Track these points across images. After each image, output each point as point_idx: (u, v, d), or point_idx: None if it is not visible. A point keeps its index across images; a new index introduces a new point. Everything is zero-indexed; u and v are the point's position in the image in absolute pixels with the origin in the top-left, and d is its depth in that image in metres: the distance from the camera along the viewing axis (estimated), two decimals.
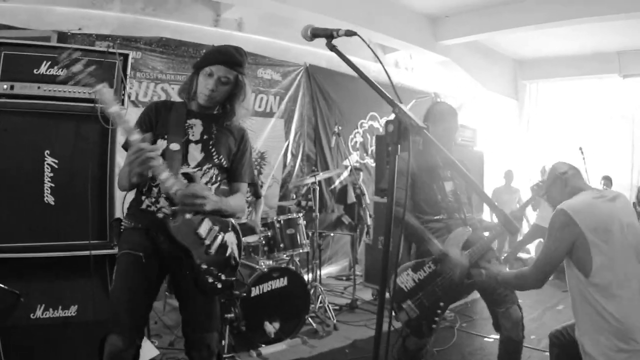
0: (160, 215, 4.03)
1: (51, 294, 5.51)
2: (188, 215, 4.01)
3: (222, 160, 4.35)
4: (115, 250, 4.53)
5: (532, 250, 15.88)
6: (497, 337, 5.20)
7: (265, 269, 7.33)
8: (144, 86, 9.82)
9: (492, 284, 4.95)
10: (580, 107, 18.20)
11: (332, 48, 2.89)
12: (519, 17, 12.98)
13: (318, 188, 9.41)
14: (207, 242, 4.12)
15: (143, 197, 4.14)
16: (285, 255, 8.46)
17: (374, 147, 13.77)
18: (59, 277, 5.51)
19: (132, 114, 4.78)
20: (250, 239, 8.42)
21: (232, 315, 6.91)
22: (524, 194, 14.89)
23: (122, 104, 5.86)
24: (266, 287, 7.34)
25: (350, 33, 2.86)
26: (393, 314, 5.07)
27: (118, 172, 4.17)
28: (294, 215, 8.56)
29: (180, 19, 10.59)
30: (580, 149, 11.68)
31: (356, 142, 14.34)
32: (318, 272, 9.64)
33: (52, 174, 5.54)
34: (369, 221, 11.21)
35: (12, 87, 5.44)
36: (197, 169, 4.14)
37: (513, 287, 4.94)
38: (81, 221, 5.47)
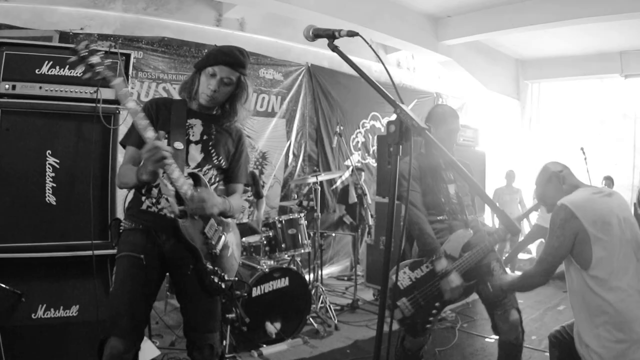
0: (170, 215, 3.96)
1: (52, 294, 5.50)
2: (196, 216, 4.02)
3: (222, 161, 4.34)
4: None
5: (533, 251, 15.88)
6: (498, 337, 5.21)
7: (267, 269, 7.32)
8: (145, 86, 9.83)
9: (500, 294, 4.97)
10: (582, 107, 18.19)
11: (334, 49, 2.89)
12: (520, 17, 12.98)
13: (319, 188, 9.40)
14: (213, 242, 4.13)
15: (143, 198, 4.12)
16: (286, 256, 8.45)
17: (375, 147, 13.78)
18: (60, 277, 5.50)
19: None
20: (252, 239, 8.43)
21: (234, 315, 6.92)
22: (525, 194, 14.89)
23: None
24: (267, 287, 7.34)
25: (352, 33, 2.86)
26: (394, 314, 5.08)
27: (119, 172, 4.08)
28: (296, 215, 8.55)
29: (182, 19, 10.60)
30: (582, 149, 11.69)
31: (358, 142, 14.35)
32: (319, 272, 9.64)
33: (53, 174, 5.53)
34: (371, 221, 11.21)
35: (13, 87, 5.44)
36: (197, 169, 4.12)
37: (520, 290, 4.94)
38: (83, 221, 5.47)
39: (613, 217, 4.37)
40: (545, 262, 4.56)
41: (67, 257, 5.42)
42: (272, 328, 7.24)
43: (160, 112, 4.13)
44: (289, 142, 12.58)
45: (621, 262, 4.25)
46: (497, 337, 5.22)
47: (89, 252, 5.37)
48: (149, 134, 3.62)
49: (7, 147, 5.38)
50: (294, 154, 12.69)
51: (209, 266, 4.06)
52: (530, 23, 13.00)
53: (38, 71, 5.55)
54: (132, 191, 4.26)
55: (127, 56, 6.13)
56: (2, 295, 5.23)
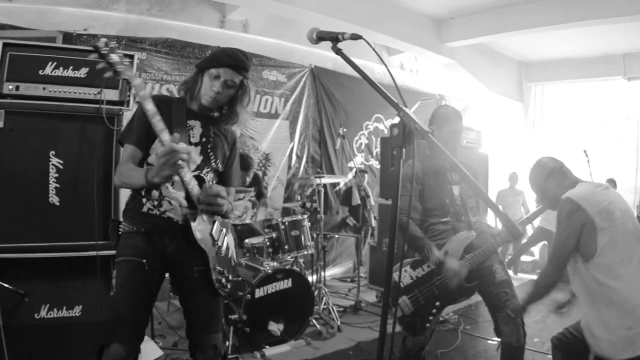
0: (178, 219, 4.02)
1: (56, 294, 5.50)
2: (205, 218, 4.03)
3: (219, 164, 4.33)
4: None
5: (536, 253, 15.87)
6: (500, 340, 5.21)
7: (270, 271, 7.34)
8: (149, 87, 9.80)
9: (523, 313, 4.98)
10: (585, 110, 18.18)
11: (338, 51, 2.90)
12: (524, 19, 12.98)
13: (323, 190, 9.40)
14: (219, 243, 4.16)
15: (144, 200, 4.08)
16: (289, 257, 8.42)
17: (378, 149, 13.80)
18: (63, 277, 5.50)
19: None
20: (255, 240, 8.43)
21: (237, 316, 6.92)
22: (528, 196, 14.88)
23: (128, 105, 5.87)
24: (270, 288, 7.34)
25: (355, 37, 2.86)
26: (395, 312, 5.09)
27: (120, 170, 3.99)
28: (299, 216, 8.53)
29: (186, 20, 10.61)
30: (585, 151, 11.68)
31: (361, 143, 14.35)
32: (322, 274, 9.62)
33: (57, 175, 5.55)
34: (374, 223, 11.24)
35: (17, 88, 5.46)
36: (196, 172, 4.07)
37: (539, 295, 4.91)
38: (86, 222, 5.48)
39: (615, 208, 4.45)
40: (555, 257, 4.60)
41: (70, 258, 5.44)
42: (275, 329, 7.24)
43: (160, 110, 3.97)
44: (292, 144, 12.59)
45: (625, 251, 4.32)
46: (499, 339, 5.23)
47: (93, 253, 5.38)
48: (166, 136, 3.61)
49: (11, 148, 5.39)
50: (297, 155, 12.70)
51: (218, 268, 4.11)
52: (533, 25, 13.00)
53: (41, 72, 5.57)
54: (130, 192, 4.24)
55: (131, 57, 6.13)
56: (5, 295, 5.23)
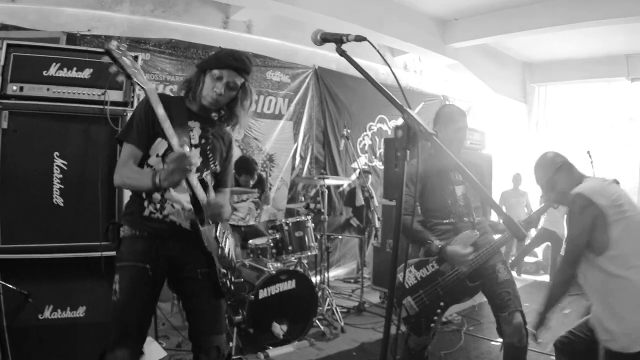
0: (184, 224, 4.03)
1: (60, 295, 5.51)
2: (210, 221, 4.05)
3: (217, 166, 4.34)
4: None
5: (539, 254, 15.88)
6: (502, 340, 5.22)
7: (274, 272, 7.34)
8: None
9: (543, 324, 4.98)
10: (588, 111, 18.16)
11: (342, 53, 2.89)
12: (527, 20, 12.97)
13: (327, 191, 9.40)
14: (223, 245, 4.19)
15: (145, 203, 4.05)
16: (293, 258, 8.45)
17: (382, 150, 13.78)
18: (67, 278, 5.51)
19: None
20: (259, 241, 8.44)
21: (240, 317, 6.92)
22: (532, 197, 14.89)
23: (132, 106, 5.86)
24: (274, 289, 7.34)
25: (359, 38, 2.86)
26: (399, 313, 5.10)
27: (122, 171, 3.97)
28: (303, 217, 8.57)
29: (190, 21, 10.62)
30: (589, 152, 11.67)
31: (365, 144, 14.36)
32: (326, 275, 9.63)
33: (61, 176, 5.54)
34: (377, 224, 11.23)
35: (21, 89, 5.45)
36: (197, 174, 4.04)
37: (557, 296, 4.89)
38: (90, 222, 5.48)
39: (624, 201, 4.46)
40: (570, 253, 4.61)
41: (74, 258, 5.43)
42: (279, 330, 7.24)
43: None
44: (296, 145, 12.61)
45: (638, 243, 4.29)
46: (502, 339, 5.24)
47: (97, 254, 5.37)
48: (175, 141, 3.62)
49: (15, 149, 5.39)
50: (301, 156, 12.71)
51: (223, 270, 4.13)
52: (537, 26, 13.00)
53: (45, 73, 5.56)
54: (129, 194, 4.24)
55: (135, 58, 6.13)
56: (9, 296, 5.24)
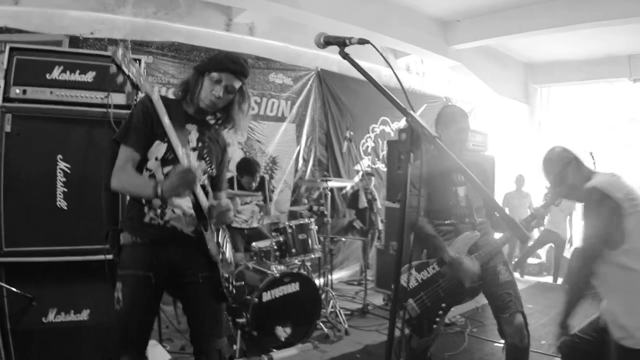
0: (187, 231, 4.02)
1: (64, 298, 5.53)
2: (213, 227, 4.07)
3: (214, 169, 4.33)
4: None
5: (542, 256, 15.88)
6: (504, 341, 5.23)
7: (277, 274, 7.34)
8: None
9: (567, 330, 4.95)
10: (590, 112, 18.16)
11: (345, 56, 2.90)
12: (529, 21, 12.97)
13: (330, 193, 9.41)
14: (224, 250, 4.20)
15: (145, 209, 4.00)
16: (297, 261, 8.46)
17: (385, 152, 13.79)
18: (71, 281, 5.52)
19: None
20: (262, 244, 8.44)
21: (244, 320, 6.93)
22: (534, 198, 14.88)
23: None
24: (278, 292, 7.34)
25: (363, 41, 2.86)
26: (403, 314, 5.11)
27: (122, 177, 3.92)
28: (306, 220, 8.59)
29: (192, 24, 10.63)
30: (591, 153, 11.67)
31: (367, 146, 14.35)
32: (329, 277, 9.63)
33: (64, 179, 5.55)
34: (381, 226, 11.25)
35: (24, 92, 5.47)
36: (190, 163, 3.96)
37: (577, 297, 4.81)
38: (94, 226, 5.48)
39: (636, 194, 4.43)
40: (589, 248, 4.51)
41: (78, 262, 5.44)
42: (283, 333, 7.24)
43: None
44: (298, 147, 12.61)
45: None
46: (503, 340, 5.24)
47: (101, 257, 5.37)
48: (181, 151, 3.65)
49: (18, 152, 5.41)
50: (304, 158, 12.71)
51: (225, 275, 4.14)
52: (537, 28, 12.99)
53: (49, 76, 5.58)
54: (128, 199, 4.24)
55: (138, 62, 6.14)
56: (13, 299, 5.25)
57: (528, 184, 15.34)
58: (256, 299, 7.03)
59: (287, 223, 8.44)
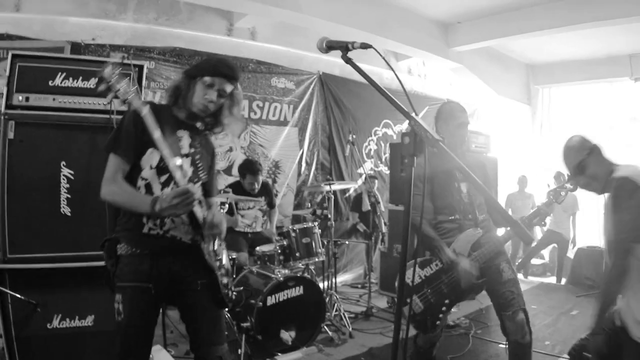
0: (186, 240, 4.03)
1: (68, 304, 5.53)
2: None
3: (205, 175, 4.32)
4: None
5: (546, 256, 15.89)
6: (507, 338, 5.24)
7: (281, 278, 7.33)
8: (157, 96, 9.82)
9: (602, 335, 4.92)
10: (592, 111, 18.15)
11: (348, 61, 2.91)
12: (530, 22, 12.97)
13: (333, 197, 9.41)
14: (220, 257, 4.22)
15: (144, 220, 3.97)
16: (300, 264, 8.49)
17: (388, 155, 13.81)
18: (75, 287, 5.52)
19: None
20: (266, 248, 8.46)
21: (249, 324, 6.94)
22: (537, 199, 14.88)
23: None
24: (282, 295, 7.34)
25: (365, 46, 2.87)
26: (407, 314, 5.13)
27: (113, 189, 3.87)
28: (310, 224, 8.61)
29: (194, 29, 10.65)
30: None
31: (370, 149, 14.36)
32: (333, 280, 9.63)
33: (68, 185, 5.57)
34: (384, 229, 11.21)
35: (27, 99, 5.48)
36: (189, 184, 3.93)
37: (613, 295, 4.69)
38: (98, 232, 5.47)
39: None
40: (622, 241, 4.30)
41: (82, 268, 5.44)
42: (287, 336, 7.24)
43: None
44: (301, 151, 12.63)
45: None
46: (506, 338, 5.26)
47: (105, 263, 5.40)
48: (172, 163, 3.67)
49: (22, 159, 5.42)
50: (306, 162, 12.73)
51: (224, 281, 4.16)
52: (539, 28, 12.99)
53: (51, 83, 5.59)
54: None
55: (140, 67, 6.16)
56: (17, 306, 5.27)
57: (531, 185, 15.35)
58: (260, 303, 7.03)
59: (290, 227, 8.49)
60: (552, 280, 14.27)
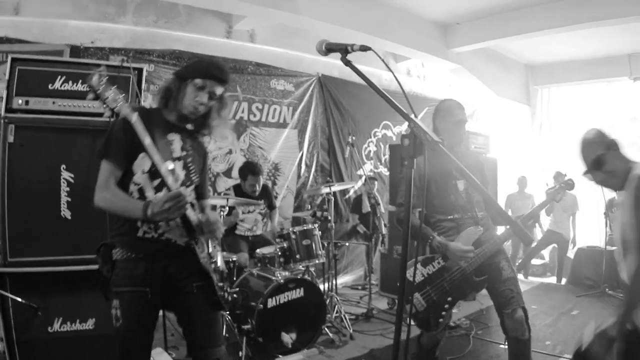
0: (180, 243, 4.02)
1: (69, 308, 5.55)
2: (202, 239, 4.10)
3: (197, 177, 4.31)
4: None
5: (546, 256, 15.89)
6: (506, 336, 5.26)
7: (282, 280, 7.33)
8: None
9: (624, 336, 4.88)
10: (591, 111, 18.15)
11: (347, 63, 2.92)
12: (529, 23, 12.97)
13: (333, 198, 9.41)
14: (215, 259, 4.22)
15: (138, 224, 3.95)
16: (301, 266, 8.47)
17: (387, 156, 13.81)
18: (76, 290, 5.53)
19: None
20: (266, 250, 8.47)
21: (249, 326, 6.94)
22: (537, 200, 14.87)
23: None
24: (283, 298, 7.34)
25: (364, 48, 2.88)
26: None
27: (105, 196, 3.87)
28: (310, 226, 8.60)
29: (193, 31, 10.66)
30: None
31: (370, 151, 14.37)
32: (334, 282, 9.64)
33: (68, 189, 5.58)
34: (384, 230, 11.22)
35: (27, 102, 5.50)
36: (181, 188, 3.95)
37: (637, 295, 4.59)
38: (98, 235, 5.46)
39: None
40: None
41: (83, 271, 5.44)
42: (288, 338, 7.24)
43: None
44: (301, 153, 12.63)
45: None
46: (505, 335, 5.28)
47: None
48: (163, 168, 3.68)
49: (22, 162, 5.44)
50: (306, 164, 12.74)
51: (220, 284, 4.17)
52: (538, 29, 13.00)
53: (51, 86, 5.61)
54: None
55: (140, 70, 6.17)
56: (18, 309, 5.28)
57: (530, 185, 15.36)
58: (261, 305, 7.04)
59: (290, 229, 8.48)
60: (553, 280, 14.28)
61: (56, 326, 5.49)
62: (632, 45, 15.41)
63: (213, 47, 10.91)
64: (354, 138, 10.94)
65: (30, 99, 5.52)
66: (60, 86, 5.65)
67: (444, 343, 5.71)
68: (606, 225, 11.57)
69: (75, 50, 8.87)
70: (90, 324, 5.61)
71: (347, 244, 12.90)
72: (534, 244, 14.10)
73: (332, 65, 12.96)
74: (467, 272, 5.17)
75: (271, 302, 7.19)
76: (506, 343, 5.31)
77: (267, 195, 9.71)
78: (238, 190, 9.36)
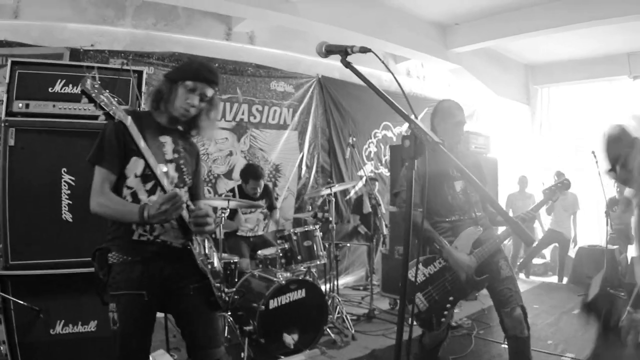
0: (177, 245, 4.03)
1: (71, 310, 5.55)
2: (198, 239, 4.09)
3: (190, 179, 4.32)
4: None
5: (547, 256, 15.88)
6: (506, 334, 5.29)
7: (283, 281, 7.33)
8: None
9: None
10: (591, 110, 18.14)
11: (347, 65, 2.92)
12: (528, 23, 12.98)
13: (334, 199, 9.41)
14: (211, 260, 4.23)
15: (134, 226, 3.97)
16: (302, 267, 8.49)
17: (388, 157, 13.81)
18: (78, 293, 5.52)
19: None
20: (268, 251, 8.50)
21: (251, 327, 6.94)
22: (538, 199, 14.84)
23: None
24: (284, 299, 7.35)
25: (364, 50, 2.89)
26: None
27: (101, 201, 3.90)
28: (311, 227, 8.61)
29: (192, 34, 10.67)
30: (593, 152, 11.67)
31: (370, 152, 14.37)
32: (335, 283, 9.63)
33: (69, 191, 5.59)
34: (385, 231, 11.22)
35: (27, 106, 5.51)
36: (176, 189, 3.91)
37: None
38: (99, 237, 5.47)
39: None
40: None
41: (84, 273, 5.43)
42: (290, 339, 7.24)
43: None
44: (301, 154, 12.63)
45: None
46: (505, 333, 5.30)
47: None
48: (159, 170, 3.69)
49: (23, 166, 5.45)
50: (307, 165, 12.74)
51: (217, 284, 4.17)
52: (536, 29, 13.00)
53: (51, 89, 5.62)
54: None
55: (140, 73, 6.18)
56: (20, 312, 5.28)
57: (531, 185, 15.35)
58: (263, 307, 7.03)
59: (292, 230, 8.48)
60: (554, 279, 14.26)
61: (58, 328, 5.49)
62: (631, 44, 15.41)
63: (212, 49, 10.93)
64: (354, 139, 10.94)
65: (31, 102, 5.53)
66: (61, 89, 5.65)
67: (446, 343, 5.73)
68: (607, 224, 11.57)
69: (75, 53, 8.87)
70: (92, 326, 5.61)
71: (348, 244, 12.88)
72: (535, 244, 14.10)
73: (332, 66, 12.94)
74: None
75: (273, 303, 7.19)
76: (506, 342, 5.33)
77: (267, 195, 9.72)
78: (240, 191, 9.39)
